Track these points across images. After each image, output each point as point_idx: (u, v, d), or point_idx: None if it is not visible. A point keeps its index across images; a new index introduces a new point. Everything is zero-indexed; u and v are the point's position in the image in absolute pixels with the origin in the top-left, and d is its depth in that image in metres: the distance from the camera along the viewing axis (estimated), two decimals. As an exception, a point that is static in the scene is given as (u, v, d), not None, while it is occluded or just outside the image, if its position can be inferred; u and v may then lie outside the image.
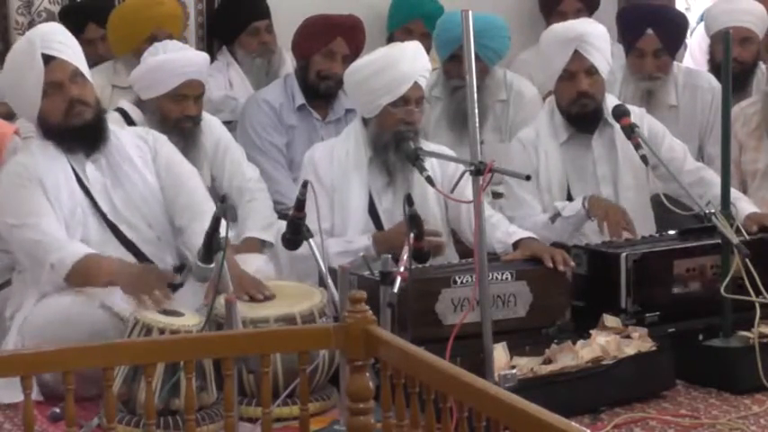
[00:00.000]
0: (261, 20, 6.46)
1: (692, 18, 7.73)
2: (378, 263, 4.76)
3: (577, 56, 5.28)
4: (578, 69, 5.28)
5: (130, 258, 4.71)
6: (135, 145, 4.86)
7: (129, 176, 4.79)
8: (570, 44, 5.29)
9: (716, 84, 6.20)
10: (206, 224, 4.17)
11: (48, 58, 4.63)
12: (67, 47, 4.71)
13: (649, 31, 6.07)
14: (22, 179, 4.65)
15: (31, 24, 6.30)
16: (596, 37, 5.34)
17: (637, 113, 5.38)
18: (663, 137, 5.44)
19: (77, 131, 4.70)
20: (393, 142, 4.93)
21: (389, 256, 4.36)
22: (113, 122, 4.99)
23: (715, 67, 6.51)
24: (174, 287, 4.69)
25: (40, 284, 4.61)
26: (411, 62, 4.99)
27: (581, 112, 5.34)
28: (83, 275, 4.54)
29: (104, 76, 5.97)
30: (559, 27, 5.46)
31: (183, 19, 6.34)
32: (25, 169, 4.67)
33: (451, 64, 6.02)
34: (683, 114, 6.23)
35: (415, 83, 4.97)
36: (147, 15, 5.90)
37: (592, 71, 5.30)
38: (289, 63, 6.45)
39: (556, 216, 5.22)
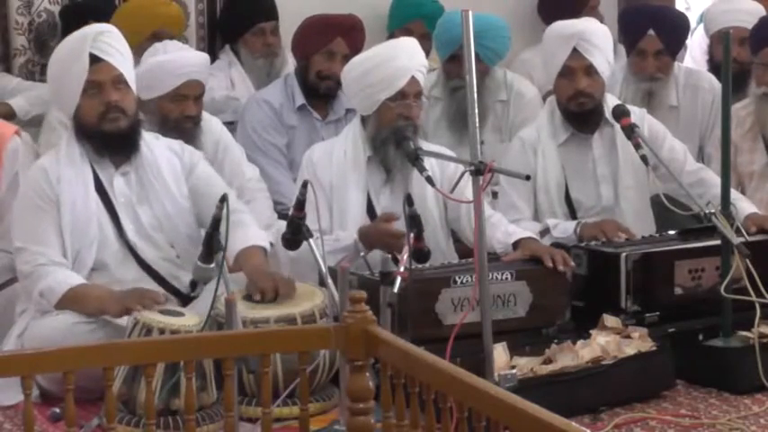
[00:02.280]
0: (267, 21, 6.45)
1: (692, 18, 7.73)
2: (376, 257, 4.79)
3: (576, 54, 5.29)
4: (577, 67, 5.28)
5: (145, 277, 4.67)
6: (168, 160, 4.82)
7: (158, 193, 4.75)
8: (570, 41, 5.30)
9: (717, 84, 6.19)
10: (244, 232, 4.48)
11: (95, 58, 4.61)
12: (118, 51, 4.68)
13: (650, 31, 6.07)
14: (41, 196, 4.62)
15: (31, 24, 6.31)
16: (597, 36, 5.33)
17: (637, 114, 5.38)
18: (664, 137, 5.44)
19: (109, 137, 4.66)
20: (392, 139, 4.93)
21: (389, 255, 4.37)
22: None
23: (714, 67, 6.52)
24: (186, 300, 4.68)
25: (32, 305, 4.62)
26: (408, 57, 5.00)
27: (578, 111, 5.35)
28: (71, 305, 4.51)
29: None
30: (561, 24, 5.46)
31: (184, 23, 6.40)
32: (47, 183, 4.63)
33: (451, 64, 6.02)
34: (684, 115, 6.23)
35: (413, 77, 4.97)
36: (152, 13, 5.98)
37: (591, 70, 5.30)
38: (291, 64, 6.45)
39: (545, 232, 5.22)
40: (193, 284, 4.74)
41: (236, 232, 4.62)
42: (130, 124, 4.70)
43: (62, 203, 4.62)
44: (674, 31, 6.23)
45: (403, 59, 4.98)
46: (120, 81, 4.66)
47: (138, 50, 5.51)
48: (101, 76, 4.62)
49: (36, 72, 6.35)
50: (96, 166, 4.72)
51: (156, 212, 4.74)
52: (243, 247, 4.68)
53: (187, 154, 4.90)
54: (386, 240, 4.79)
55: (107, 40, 4.67)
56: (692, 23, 7.48)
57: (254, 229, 4.81)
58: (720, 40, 4.85)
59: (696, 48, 7.22)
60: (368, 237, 4.87)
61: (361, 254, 4.80)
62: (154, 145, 4.82)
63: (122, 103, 4.66)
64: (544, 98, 6.10)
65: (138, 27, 5.89)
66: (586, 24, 5.46)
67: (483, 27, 5.76)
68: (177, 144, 4.94)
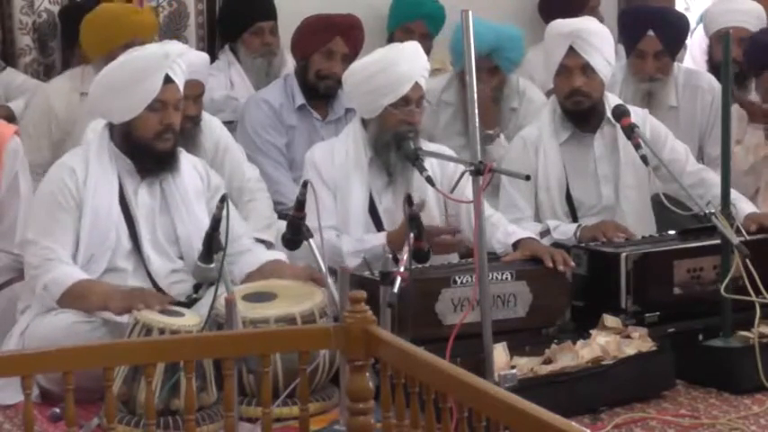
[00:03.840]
0: (266, 20, 6.45)
1: (692, 18, 7.73)
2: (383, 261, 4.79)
3: (573, 52, 5.29)
4: (572, 66, 5.28)
5: (148, 286, 4.65)
6: (191, 176, 4.84)
7: (179, 207, 4.75)
8: (566, 39, 5.30)
9: (716, 84, 6.19)
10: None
11: (168, 78, 4.63)
12: (184, 75, 4.74)
13: (650, 32, 6.06)
14: (64, 195, 4.62)
15: (35, 24, 6.30)
16: (594, 36, 5.33)
17: (639, 114, 5.39)
18: (665, 138, 5.45)
19: (158, 155, 4.69)
20: (394, 142, 4.93)
21: (389, 255, 4.36)
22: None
23: (713, 67, 6.52)
24: (191, 302, 4.68)
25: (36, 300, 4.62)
26: (411, 62, 5.00)
27: (575, 110, 5.35)
28: (75, 299, 4.50)
29: (71, 83, 5.88)
30: (559, 22, 5.46)
31: (157, 29, 6.25)
32: (74, 184, 4.63)
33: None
34: (684, 115, 6.22)
35: (416, 83, 4.97)
36: (124, 22, 5.80)
37: (587, 69, 5.29)
38: (290, 64, 6.45)
39: (545, 233, 5.22)
40: (196, 287, 4.74)
41: (242, 261, 4.73)
42: (175, 144, 4.75)
43: (84, 207, 4.62)
44: (674, 31, 6.22)
45: (406, 65, 4.97)
46: (179, 103, 4.72)
47: (109, 59, 5.05)
48: (168, 97, 4.64)
49: (41, 72, 6.35)
50: (123, 173, 4.72)
51: (174, 225, 4.75)
52: (264, 262, 4.76)
53: (212, 180, 4.93)
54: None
55: (181, 63, 4.71)
56: (692, 23, 7.47)
57: (259, 254, 4.86)
58: (720, 41, 4.85)
59: (696, 48, 7.22)
60: (401, 234, 4.83)
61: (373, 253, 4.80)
62: (182, 161, 4.84)
63: (176, 125, 4.71)
64: (546, 96, 6.11)
65: (111, 36, 5.72)
66: (584, 23, 5.46)
67: (504, 39, 5.88)
68: (201, 164, 4.97)
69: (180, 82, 4.71)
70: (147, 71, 4.62)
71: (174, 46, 4.77)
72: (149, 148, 4.68)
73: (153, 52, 4.71)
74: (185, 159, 4.87)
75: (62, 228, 4.60)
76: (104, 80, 4.70)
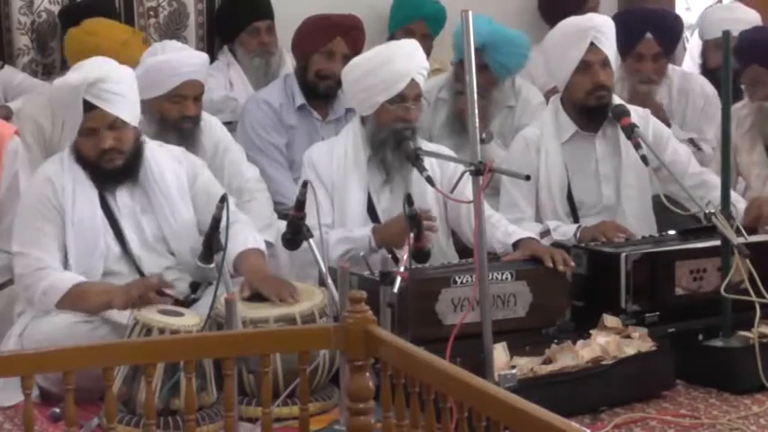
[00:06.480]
0: (262, 20, 6.46)
1: (693, 19, 7.72)
2: (376, 257, 4.79)
3: (593, 47, 5.28)
4: (594, 60, 5.27)
5: None
6: (173, 170, 4.81)
7: (162, 205, 4.74)
8: (587, 34, 5.28)
9: (709, 90, 6.23)
10: (236, 237, 4.50)
11: (89, 105, 4.56)
12: (116, 95, 4.59)
13: (648, 35, 6.05)
14: (45, 206, 4.62)
15: (33, 24, 6.30)
16: (611, 30, 5.35)
17: (641, 115, 5.39)
18: (667, 140, 5.45)
19: (107, 172, 4.67)
20: (391, 140, 4.93)
21: (389, 255, 4.37)
22: None
23: (706, 72, 6.53)
24: (190, 302, 4.67)
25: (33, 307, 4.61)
26: (407, 59, 4.99)
27: (597, 105, 5.31)
28: (74, 302, 4.51)
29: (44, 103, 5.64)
30: (575, 19, 5.45)
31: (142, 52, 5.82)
32: (53, 194, 4.63)
33: (461, 67, 5.97)
34: (677, 117, 6.22)
35: (412, 80, 4.96)
36: (111, 52, 5.33)
37: (606, 63, 5.30)
38: (289, 64, 6.45)
39: (546, 233, 5.22)
40: (195, 286, 4.73)
41: (231, 238, 4.62)
42: (127, 159, 4.69)
43: (66, 216, 4.62)
44: (671, 33, 6.23)
45: (403, 62, 4.97)
46: (114, 125, 4.63)
47: None
48: (95, 123, 4.60)
49: (39, 71, 6.34)
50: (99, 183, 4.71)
51: (160, 223, 4.74)
52: (238, 252, 4.67)
53: (190, 163, 4.90)
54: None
55: (104, 86, 4.58)
56: (693, 24, 7.47)
57: (246, 232, 4.79)
58: (716, 48, 4.86)
59: (695, 48, 7.22)
60: (386, 227, 4.86)
61: (361, 254, 4.80)
62: (159, 155, 4.81)
63: (117, 144, 4.64)
64: (546, 96, 6.09)
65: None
66: (600, 18, 5.47)
67: (498, 40, 5.77)
68: (180, 152, 4.94)
69: (108, 105, 4.57)
70: (65, 102, 4.64)
71: (92, 72, 4.61)
72: (97, 166, 4.67)
73: (66, 84, 4.64)
74: (166, 153, 4.84)
75: (48, 237, 4.60)
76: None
